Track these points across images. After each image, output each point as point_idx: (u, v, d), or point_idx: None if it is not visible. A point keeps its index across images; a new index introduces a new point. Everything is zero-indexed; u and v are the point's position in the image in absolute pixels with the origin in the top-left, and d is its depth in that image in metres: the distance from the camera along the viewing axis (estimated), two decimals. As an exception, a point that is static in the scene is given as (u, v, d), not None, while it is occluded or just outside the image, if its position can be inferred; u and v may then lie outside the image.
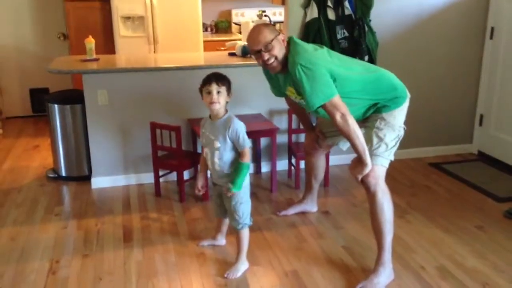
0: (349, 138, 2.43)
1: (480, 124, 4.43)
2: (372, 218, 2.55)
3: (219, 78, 2.47)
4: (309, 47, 2.56)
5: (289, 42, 2.55)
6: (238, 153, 2.54)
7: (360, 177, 2.49)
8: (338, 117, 2.39)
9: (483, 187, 3.72)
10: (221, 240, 2.91)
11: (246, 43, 2.61)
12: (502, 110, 4.18)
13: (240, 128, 2.50)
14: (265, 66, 2.56)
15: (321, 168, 3.27)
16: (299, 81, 2.41)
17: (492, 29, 4.19)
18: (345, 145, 2.98)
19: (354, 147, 2.45)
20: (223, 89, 2.47)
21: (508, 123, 4.12)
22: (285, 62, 2.52)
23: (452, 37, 4.22)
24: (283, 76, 2.63)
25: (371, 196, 2.51)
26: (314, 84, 2.39)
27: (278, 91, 2.84)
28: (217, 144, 2.51)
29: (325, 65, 2.44)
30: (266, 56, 2.48)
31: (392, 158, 2.58)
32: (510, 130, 4.10)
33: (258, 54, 2.50)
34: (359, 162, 2.47)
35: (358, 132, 2.41)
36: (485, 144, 4.39)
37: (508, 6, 4.02)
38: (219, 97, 2.46)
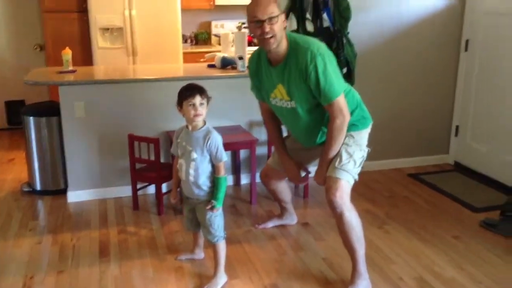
0: (334, 142, 2.47)
1: (456, 135, 4.50)
2: (343, 236, 2.54)
3: (202, 91, 2.47)
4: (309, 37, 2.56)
5: (287, 36, 2.47)
6: (214, 167, 2.53)
7: (322, 179, 2.55)
8: (338, 120, 2.42)
9: (460, 198, 3.76)
10: (199, 254, 2.88)
11: (248, 11, 2.40)
12: (477, 121, 4.25)
13: (219, 140, 2.50)
14: (262, 39, 2.40)
15: (284, 191, 3.19)
16: (318, 70, 2.35)
17: (467, 41, 4.27)
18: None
19: (329, 151, 2.50)
20: (205, 101, 2.47)
21: (483, 134, 4.19)
22: (283, 55, 2.45)
23: (429, 49, 4.28)
24: (277, 70, 2.51)
25: (338, 216, 2.49)
26: (332, 76, 2.38)
27: (260, 92, 2.73)
28: (194, 155, 2.50)
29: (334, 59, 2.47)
30: (267, 28, 2.34)
31: (357, 177, 2.57)
32: (485, 141, 4.17)
33: (259, 23, 2.36)
34: (320, 169, 2.56)
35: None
36: (461, 154, 4.45)
37: (482, 19, 4.10)
38: (202, 109, 2.46)
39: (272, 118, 2.83)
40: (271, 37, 2.38)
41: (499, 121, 3.99)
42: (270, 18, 2.35)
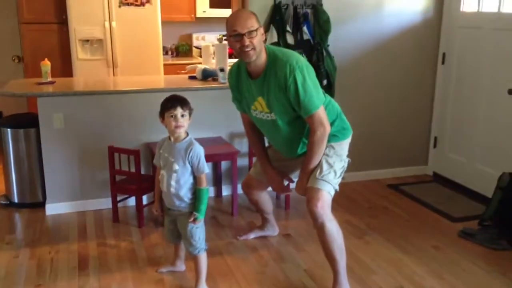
0: (315, 153, 2.49)
1: (435, 146, 4.57)
2: (324, 247, 2.54)
3: (183, 102, 2.46)
4: (288, 50, 2.59)
5: (266, 49, 2.50)
6: (195, 179, 2.52)
7: (303, 190, 2.56)
8: (319, 131, 2.44)
9: (439, 208, 3.81)
10: (181, 266, 2.86)
11: (227, 25, 2.44)
12: (455, 132, 4.33)
13: (201, 152, 2.50)
14: (241, 52, 2.42)
15: (265, 202, 3.20)
16: (297, 83, 2.38)
17: (444, 54, 4.36)
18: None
19: (309, 163, 2.52)
20: (186, 112, 2.47)
21: (461, 145, 4.27)
22: (262, 68, 2.48)
23: (407, 62, 4.36)
24: (256, 83, 2.53)
25: (319, 227, 2.50)
26: (311, 88, 2.41)
27: (240, 104, 2.75)
28: (176, 167, 2.49)
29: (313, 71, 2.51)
30: (247, 41, 2.38)
31: (337, 188, 2.59)
32: (463, 152, 4.24)
33: (238, 37, 2.39)
34: (300, 180, 2.57)
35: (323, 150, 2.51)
36: (440, 165, 4.52)
37: (457, 33, 4.20)
38: (184, 121, 2.46)
39: (254, 129, 2.84)
40: (250, 49, 2.40)
41: (476, 132, 4.07)
42: (250, 32, 2.38)
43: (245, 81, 2.61)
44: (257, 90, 2.55)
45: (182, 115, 2.45)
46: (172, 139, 2.53)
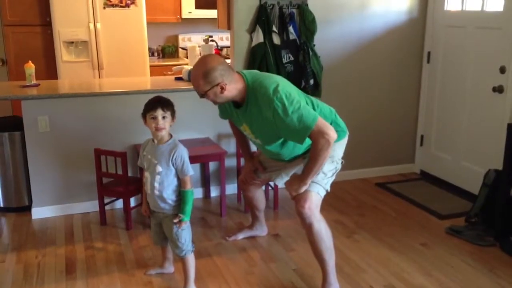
0: (317, 160, 2.33)
1: (421, 144, 4.60)
2: (313, 247, 2.55)
3: (164, 104, 2.44)
4: (266, 74, 2.51)
5: (243, 76, 2.45)
6: (179, 180, 2.51)
7: (294, 194, 2.48)
8: (323, 141, 2.29)
9: (426, 205, 3.84)
10: (169, 268, 2.84)
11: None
12: (441, 130, 4.36)
13: (184, 154, 2.48)
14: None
15: (260, 199, 3.21)
16: (279, 114, 2.29)
17: (429, 53, 4.40)
18: (280, 181, 2.86)
19: (311, 167, 2.38)
20: (168, 114, 2.44)
21: (447, 143, 4.30)
22: (243, 99, 2.44)
23: (392, 61, 4.39)
24: (241, 111, 2.51)
25: (307, 227, 2.50)
26: (297, 111, 2.29)
27: (226, 116, 2.76)
28: (159, 169, 2.47)
29: (294, 90, 2.43)
30: (206, 98, 2.42)
31: (329, 188, 2.58)
32: (449, 150, 4.28)
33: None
34: (297, 179, 2.47)
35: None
36: (427, 163, 4.56)
37: (442, 32, 4.24)
38: (165, 122, 2.43)
39: (239, 132, 2.85)
40: (213, 102, 2.45)
41: (461, 130, 4.11)
42: (201, 94, 2.40)
43: (230, 109, 2.61)
44: (242, 117, 2.54)
45: (163, 117, 2.42)
46: (155, 141, 2.51)
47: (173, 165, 2.47)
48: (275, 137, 2.49)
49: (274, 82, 2.38)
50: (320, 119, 2.34)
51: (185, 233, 2.54)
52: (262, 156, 2.93)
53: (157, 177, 2.48)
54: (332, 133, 2.32)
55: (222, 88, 2.36)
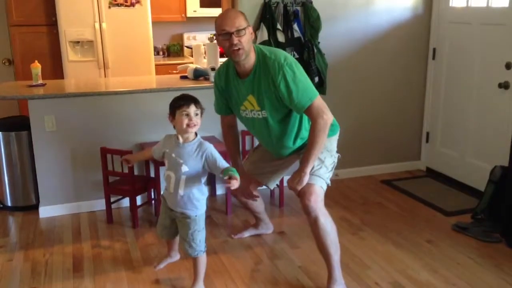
0: (316, 142, 2.41)
1: (427, 141, 4.59)
2: (318, 241, 2.55)
3: (196, 100, 2.40)
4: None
5: (255, 48, 2.52)
6: (204, 180, 2.49)
7: (299, 188, 2.47)
8: (322, 122, 2.40)
9: (432, 202, 3.83)
10: (176, 256, 2.83)
11: (216, 24, 2.44)
12: (446, 127, 4.35)
13: (214, 150, 2.43)
14: (231, 51, 2.43)
15: (255, 203, 3.15)
16: (287, 79, 2.39)
17: (434, 50, 4.38)
18: (272, 184, 3.00)
19: (311, 151, 2.43)
20: (199, 111, 2.41)
21: (452, 140, 4.29)
22: (250, 67, 2.49)
23: (397, 58, 4.38)
24: (246, 82, 2.53)
25: (313, 221, 2.50)
26: (303, 81, 2.43)
27: (222, 107, 2.77)
28: (185, 168, 2.41)
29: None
30: (235, 40, 2.38)
31: (329, 182, 2.60)
32: (455, 146, 4.27)
33: (227, 36, 2.40)
34: (297, 172, 2.48)
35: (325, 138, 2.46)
36: (433, 160, 4.54)
37: (447, 28, 4.22)
38: (197, 119, 2.39)
39: (230, 133, 2.88)
40: (239, 49, 2.41)
41: (467, 127, 4.09)
42: (238, 31, 2.40)
43: (233, 81, 2.61)
44: (247, 88, 2.55)
45: (196, 114, 2.38)
46: (181, 139, 2.44)
47: (205, 164, 2.41)
48: (281, 106, 2.51)
49: (283, 53, 2.51)
50: (320, 97, 2.47)
51: (200, 235, 2.51)
52: (254, 156, 2.94)
53: (183, 177, 2.42)
54: (330, 115, 2.44)
55: (251, 34, 2.48)
